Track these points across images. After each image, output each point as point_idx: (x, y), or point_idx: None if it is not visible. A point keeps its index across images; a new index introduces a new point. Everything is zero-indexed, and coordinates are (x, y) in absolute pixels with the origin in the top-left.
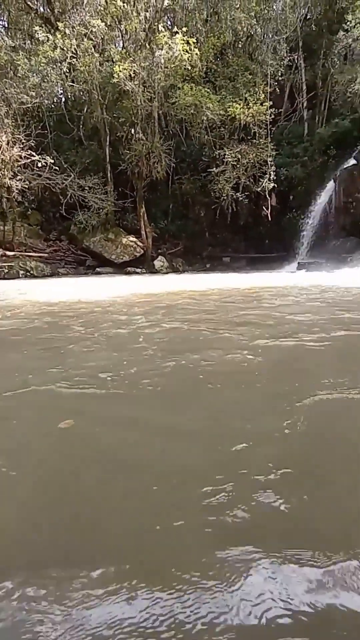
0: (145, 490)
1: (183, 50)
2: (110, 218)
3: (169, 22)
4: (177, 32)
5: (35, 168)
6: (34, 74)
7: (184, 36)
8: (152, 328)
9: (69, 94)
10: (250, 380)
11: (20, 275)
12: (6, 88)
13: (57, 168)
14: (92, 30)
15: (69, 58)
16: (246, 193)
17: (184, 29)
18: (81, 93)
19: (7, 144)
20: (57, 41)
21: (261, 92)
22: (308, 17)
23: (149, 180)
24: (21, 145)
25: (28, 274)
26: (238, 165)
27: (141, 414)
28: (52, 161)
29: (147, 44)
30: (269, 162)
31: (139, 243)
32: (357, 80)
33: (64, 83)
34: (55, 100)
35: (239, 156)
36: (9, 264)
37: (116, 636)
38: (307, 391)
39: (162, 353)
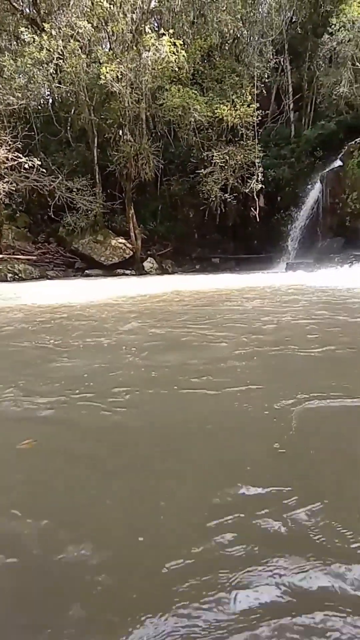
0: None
1: (170, 52)
2: (99, 220)
3: (155, 24)
4: (163, 34)
5: (22, 170)
6: (20, 75)
7: (170, 38)
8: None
9: (56, 95)
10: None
11: (9, 279)
12: None
13: (44, 170)
14: (78, 32)
15: (55, 59)
16: (234, 194)
17: (171, 31)
18: (68, 94)
19: None
20: (43, 42)
21: (248, 94)
22: (293, 20)
23: (138, 181)
24: (7, 147)
25: (16, 276)
26: (226, 167)
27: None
28: (40, 163)
29: (134, 46)
30: (257, 164)
31: (128, 245)
32: (342, 83)
33: (50, 84)
34: (42, 102)
35: (227, 157)
36: None
37: None
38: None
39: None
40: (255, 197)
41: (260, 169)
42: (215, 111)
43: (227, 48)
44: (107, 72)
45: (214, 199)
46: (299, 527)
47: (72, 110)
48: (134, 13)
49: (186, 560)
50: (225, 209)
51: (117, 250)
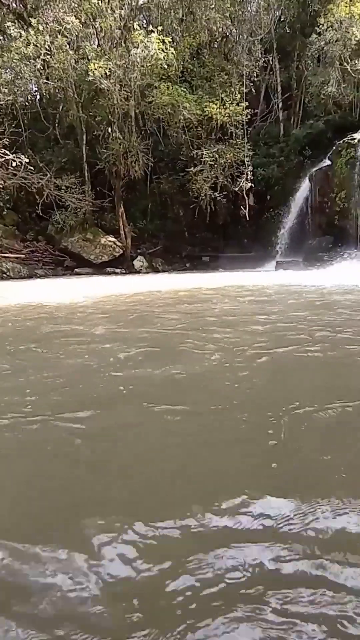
0: None
1: (159, 49)
2: (88, 218)
3: (144, 21)
4: (152, 31)
5: (9, 167)
6: (7, 71)
7: (159, 35)
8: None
9: (43, 91)
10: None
11: None
12: None
13: (32, 167)
14: (66, 27)
15: (42, 55)
16: (224, 193)
17: (160, 28)
18: (56, 91)
19: None
20: (30, 37)
21: (237, 93)
22: (282, 19)
23: (127, 179)
24: None
25: (4, 275)
26: (216, 165)
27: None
28: (27, 160)
29: (122, 42)
30: (246, 162)
31: (118, 243)
32: (330, 83)
33: (38, 80)
34: (29, 98)
35: (217, 156)
36: None
37: None
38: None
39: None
40: (245, 195)
41: (250, 167)
42: (205, 109)
43: (216, 46)
44: (95, 69)
45: (203, 197)
46: None
47: (60, 107)
48: (122, 9)
49: None
50: (215, 207)
51: (106, 248)
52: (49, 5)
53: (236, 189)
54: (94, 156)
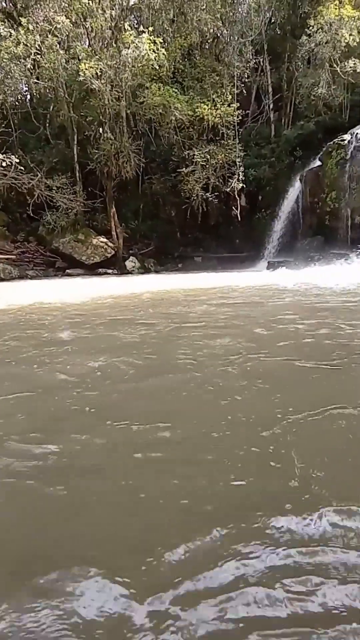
0: None
1: (150, 50)
2: (79, 218)
3: (135, 21)
4: (143, 32)
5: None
6: None
7: (150, 36)
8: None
9: (34, 91)
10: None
11: None
12: None
13: (23, 167)
14: (56, 27)
15: (32, 54)
16: (216, 193)
17: (151, 29)
18: (47, 90)
19: None
20: (20, 37)
21: (228, 94)
22: (272, 20)
23: (119, 180)
24: None
25: None
26: (207, 166)
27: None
28: (18, 160)
29: (113, 43)
30: (238, 163)
31: (109, 244)
32: (320, 84)
33: (28, 80)
34: (19, 98)
35: (208, 156)
36: None
37: None
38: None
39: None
40: (237, 196)
41: (241, 168)
42: (196, 110)
43: (207, 47)
44: (86, 69)
45: (195, 198)
46: None
47: (51, 107)
48: (113, 9)
49: None
50: (207, 208)
51: (98, 249)
52: (39, 5)
53: (228, 189)
54: (85, 156)
